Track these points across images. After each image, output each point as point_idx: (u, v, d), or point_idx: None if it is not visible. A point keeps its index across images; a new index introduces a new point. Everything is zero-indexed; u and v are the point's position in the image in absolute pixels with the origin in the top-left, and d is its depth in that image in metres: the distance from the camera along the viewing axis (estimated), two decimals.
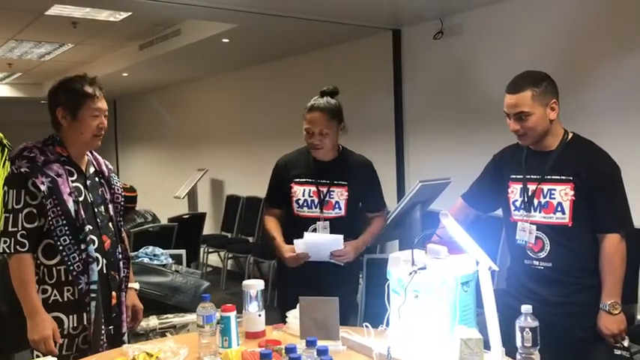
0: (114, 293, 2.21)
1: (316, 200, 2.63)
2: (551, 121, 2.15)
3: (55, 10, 4.80)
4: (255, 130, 6.89)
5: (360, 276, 3.89)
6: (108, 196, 2.26)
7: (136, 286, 2.40)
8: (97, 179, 2.24)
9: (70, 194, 2.09)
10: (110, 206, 2.26)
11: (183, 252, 3.45)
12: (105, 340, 2.12)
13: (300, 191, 2.65)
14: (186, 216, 6.37)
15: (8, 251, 2.03)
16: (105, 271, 2.17)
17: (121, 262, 2.26)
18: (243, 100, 7.14)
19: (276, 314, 2.54)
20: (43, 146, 2.13)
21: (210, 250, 6.75)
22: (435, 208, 2.59)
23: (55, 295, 2.10)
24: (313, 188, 2.64)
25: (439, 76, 4.70)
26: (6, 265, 2.23)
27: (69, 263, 2.07)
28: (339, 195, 2.64)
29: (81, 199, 2.13)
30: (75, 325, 2.11)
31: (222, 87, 7.61)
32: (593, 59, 3.70)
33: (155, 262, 2.97)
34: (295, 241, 2.56)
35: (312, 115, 2.61)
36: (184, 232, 5.55)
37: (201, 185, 7.64)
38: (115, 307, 2.23)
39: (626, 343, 2.12)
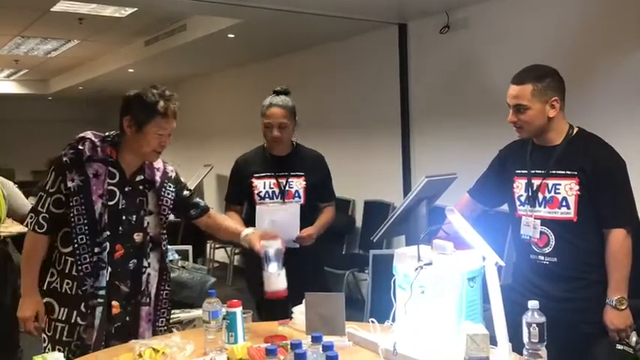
0: (115, 303, 2.16)
1: (277, 191, 2.82)
2: (550, 118, 2.14)
3: (61, 6, 4.81)
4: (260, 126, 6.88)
5: (366, 271, 3.89)
6: (150, 207, 2.23)
7: (250, 230, 2.33)
8: (140, 187, 2.22)
9: (100, 196, 2.09)
10: (150, 218, 2.23)
11: (189, 248, 3.45)
12: (104, 345, 2.11)
13: (261, 184, 2.83)
14: None
15: (29, 228, 2.12)
16: (107, 279, 2.13)
17: (144, 275, 2.21)
18: (249, 95, 7.13)
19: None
20: (101, 141, 2.14)
21: (216, 245, 6.76)
22: (441, 204, 2.58)
23: (57, 283, 2.13)
24: (273, 180, 2.83)
25: (445, 70, 4.68)
26: (6, 262, 2.24)
27: (78, 263, 2.08)
28: (298, 184, 2.83)
29: (111, 203, 2.12)
30: (63, 318, 2.12)
31: (228, 83, 7.61)
32: (601, 54, 3.67)
33: None
34: (258, 208, 2.76)
35: (271, 110, 2.80)
36: (191, 228, 5.54)
37: (208, 181, 7.65)
38: (120, 316, 2.18)
39: (634, 339, 2.11)
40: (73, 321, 2.11)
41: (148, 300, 2.24)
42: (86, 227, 2.07)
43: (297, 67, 6.22)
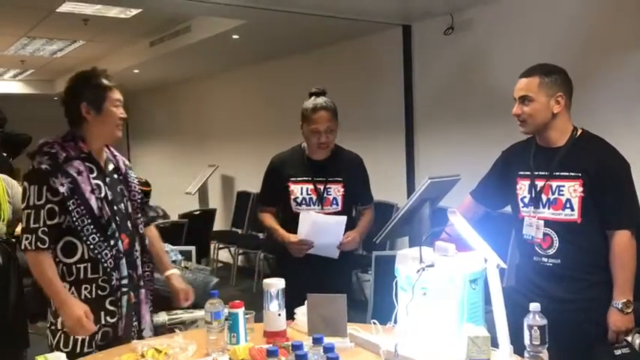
0: (131, 293, 2.17)
1: (315, 197, 2.72)
2: (554, 114, 2.15)
3: (67, 7, 4.83)
4: (265, 126, 6.89)
5: (369, 272, 3.89)
6: (126, 193, 2.25)
7: (175, 271, 2.36)
8: (115, 176, 2.23)
9: (92, 192, 2.08)
10: (128, 203, 2.25)
11: (192, 248, 3.46)
12: (136, 333, 2.15)
13: (298, 190, 2.73)
14: (197, 212, 6.40)
15: (30, 247, 2.02)
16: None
17: (138, 260, 2.23)
18: (254, 96, 7.15)
19: None
20: (63, 142, 2.11)
21: (220, 246, 6.77)
22: (444, 205, 2.58)
23: (73, 293, 2.08)
24: (311, 186, 2.73)
25: (449, 72, 4.68)
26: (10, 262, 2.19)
27: (102, 261, 2.07)
28: (336, 191, 2.74)
29: (102, 196, 2.12)
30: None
31: (233, 83, 7.62)
32: (604, 55, 3.66)
33: None
34: (302, 213, 2.66)
35: (318, 114, 2.67)
36: (195, 228, 5.58)
37: (212, 181, 7.67)
38: (134, 305, 2.20)
39: (637, 341, 2.10)
40: (103, 322, 2.10)
41: (142, 282, 2.25)
42: (92, 226, 2.06)
43: (301, 69, 6.23)
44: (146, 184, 4.92)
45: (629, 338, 2.10)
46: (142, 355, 1.85)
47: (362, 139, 5.46)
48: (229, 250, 6.78)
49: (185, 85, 8.52)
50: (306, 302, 2.05)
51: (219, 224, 7.05)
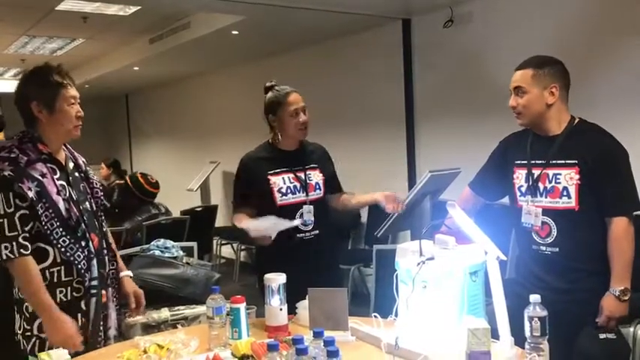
0: (103, 292, 2.13)
1: (298, 185, 2.67)
2: (548, 105, 2.16)
3: (66, 5, 4.83)
4: (266, 122, 6.89)
5: (371, 266, 3.90)
6: (89, 191, 2.19)
7: (130, 273, 2.34)
8: (76, 174, 2.16)
9: (58, 193, 2.01)
10: (92, 202, 2.18)
11: (194, 244, 3.46)
12: (102, 336, 2.11)
13: (280, 180, 2.65)
14: (199, 208, 6.41)
15: (12, 256, 1.93)
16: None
17: (106, 258, 2.19)
18: (254, 92, 7.09)
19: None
20: (20, 144, 2.02)
21: (222, 242, 6.78)
22: (446, 198, 2.58)
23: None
24: (291, 175, 2.67)
25: (449, 65, 4.67)
26: None
27: (75, 262, 2.03)
28: (317, 176, 2.72)
29: (67, 197, 2.05)
30: None
31: (233, 79, 7.62)
32: (604, 47, 3.66)
33: (166, 254, 2.98)
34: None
35: (292, 96, 2.66)
36: (197, 225, 5.59)
37: (214, 178, 7.68)
38: (106, 304, 2.17)
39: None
40: (79, 324, 2.05)
41: (109, 281, 2.21)
42: (61, 229, 2.00)
43: (300, 64, 6.22)
44: (156, 185, 4.89)
45: (632, 329, 2.10)
46: (145, 351, 1.86)
47: (363, 132, 5.47)
48: (232, 246, 6.79)
49: (185, 81, 8.52)
50: (307, 296, 2.05)
51: (221, 220, 7.06)
